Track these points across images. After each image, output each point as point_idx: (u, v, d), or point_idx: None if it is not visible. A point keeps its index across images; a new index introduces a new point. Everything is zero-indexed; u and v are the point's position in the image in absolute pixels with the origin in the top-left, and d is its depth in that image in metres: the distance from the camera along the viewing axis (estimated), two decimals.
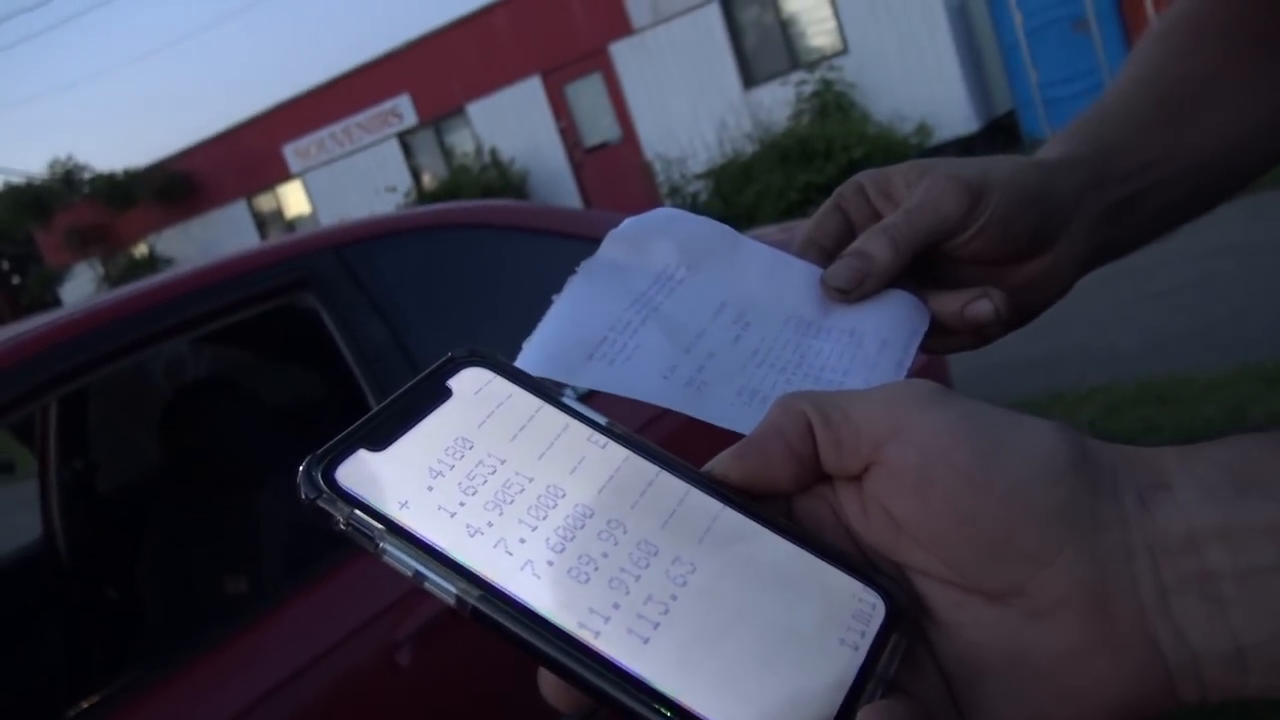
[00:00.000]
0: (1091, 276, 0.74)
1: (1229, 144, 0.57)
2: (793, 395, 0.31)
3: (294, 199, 16.35)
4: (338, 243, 1.88)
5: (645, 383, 0.40)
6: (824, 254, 0.48)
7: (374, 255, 1.90)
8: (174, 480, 2.00)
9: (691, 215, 0.48)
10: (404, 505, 0.29)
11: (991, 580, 0.27)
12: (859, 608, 0.28)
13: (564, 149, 13.47)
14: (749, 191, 10.08)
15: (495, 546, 0.28)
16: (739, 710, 0.25)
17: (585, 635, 0.27)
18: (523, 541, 0.29)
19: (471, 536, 0.29)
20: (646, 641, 0.27)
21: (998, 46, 10.42)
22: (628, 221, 0.47)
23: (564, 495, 0.30)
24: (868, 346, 0.44)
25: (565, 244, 2.18)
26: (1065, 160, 0.51)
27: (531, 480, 0.30)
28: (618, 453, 0.31)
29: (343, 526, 0.29)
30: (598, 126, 13.35)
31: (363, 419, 0.31)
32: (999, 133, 11.01)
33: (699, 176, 11.11)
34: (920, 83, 10.79)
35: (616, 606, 0.27)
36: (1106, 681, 0.27)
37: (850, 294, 0.45)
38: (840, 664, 0.27)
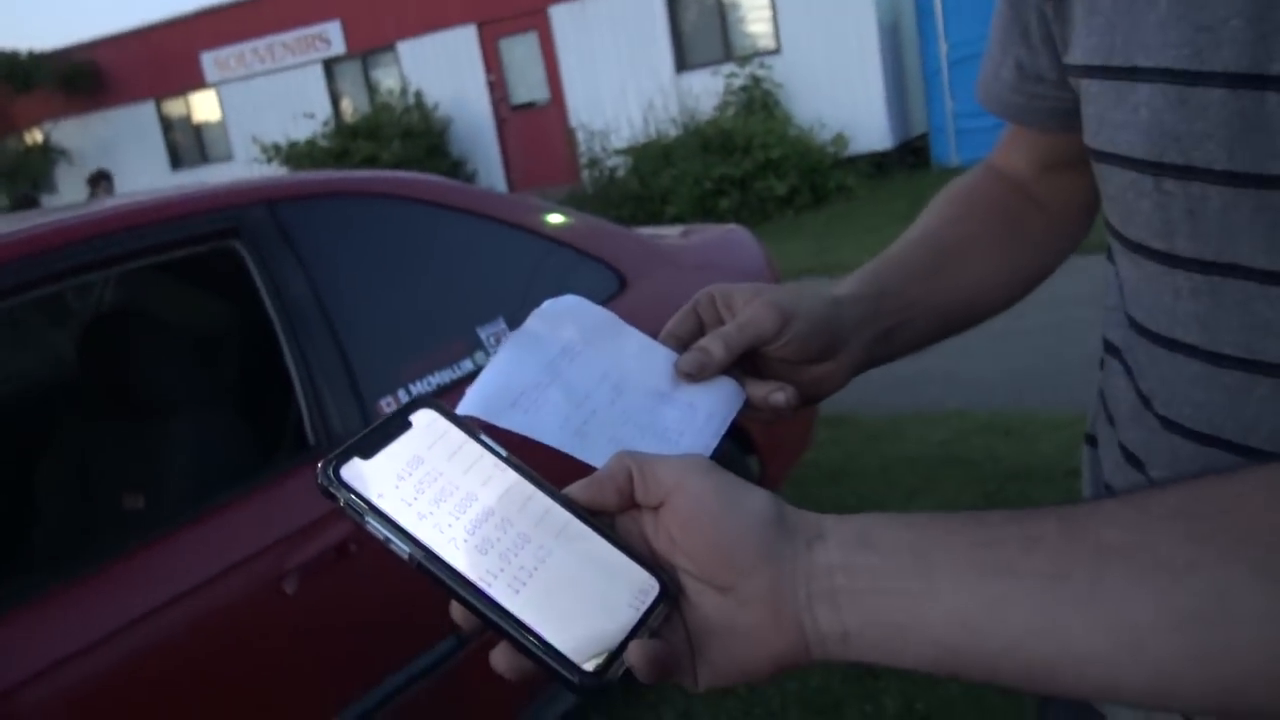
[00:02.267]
0: None
1: (971, 295, 0.78)
2: (623, 453, 0.51)
3: (205, 108, 15.90)
4: (272, 197, 2.01)
5: (547, 429, 0.58)
6: (680, 344, 0.66)
7: (306, 213, 2.03)
8: (84, 398, 2.11)
9: (591, 304, 0.66)
10: (381, 496, 0.47)
11: (720, 580, 0.46)
12: (644, 586, 0.46)
13: (490, 103, 13.44)
14: (666, 175, 10.26)
15: (434, 527, 0.46)
16: (565, 636, 0.45)
17: (483, 585, 0.45)
18: (450, 525, 0.47)
19: (420, 519, 0.46)
20: (518, 592, 0.45)
21: (921, 72, 10.81)
22: (546, 303, 0.65)
23: (477, 500, 0.48)
24: (699, 416, 0.63)
25: (488, 226, 2.34)
26: (851, 298, 0.71)
27: (458, 488, 0.48)
28: (511, 476, 0.49)
29: (341, 505, 0.46)
30: (527, 85, 13.35)
31: (358, 435, 0.49)
32: (910, 154, 11.44)
33: (619, 152, 11.24)
34: (844, 94, 11.13)
35: (502, 570, 0.46)
36: (774, 645, 0.46)
37: (694, 377, 0.63)
38: (627, 617, 0.45)
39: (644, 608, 0.46)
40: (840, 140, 10.88)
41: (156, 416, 1.95)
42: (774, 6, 11.55)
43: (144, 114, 16.23)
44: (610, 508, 0.49)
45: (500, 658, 0.46)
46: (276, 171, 13.64)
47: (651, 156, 10.65)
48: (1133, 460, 0.72)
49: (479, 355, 2.15)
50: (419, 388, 2.01)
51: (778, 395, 0.65)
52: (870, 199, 10.08)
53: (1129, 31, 0.60)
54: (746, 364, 0.67)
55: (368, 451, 0.48)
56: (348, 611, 1.81)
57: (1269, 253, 0.57)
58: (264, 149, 13.69)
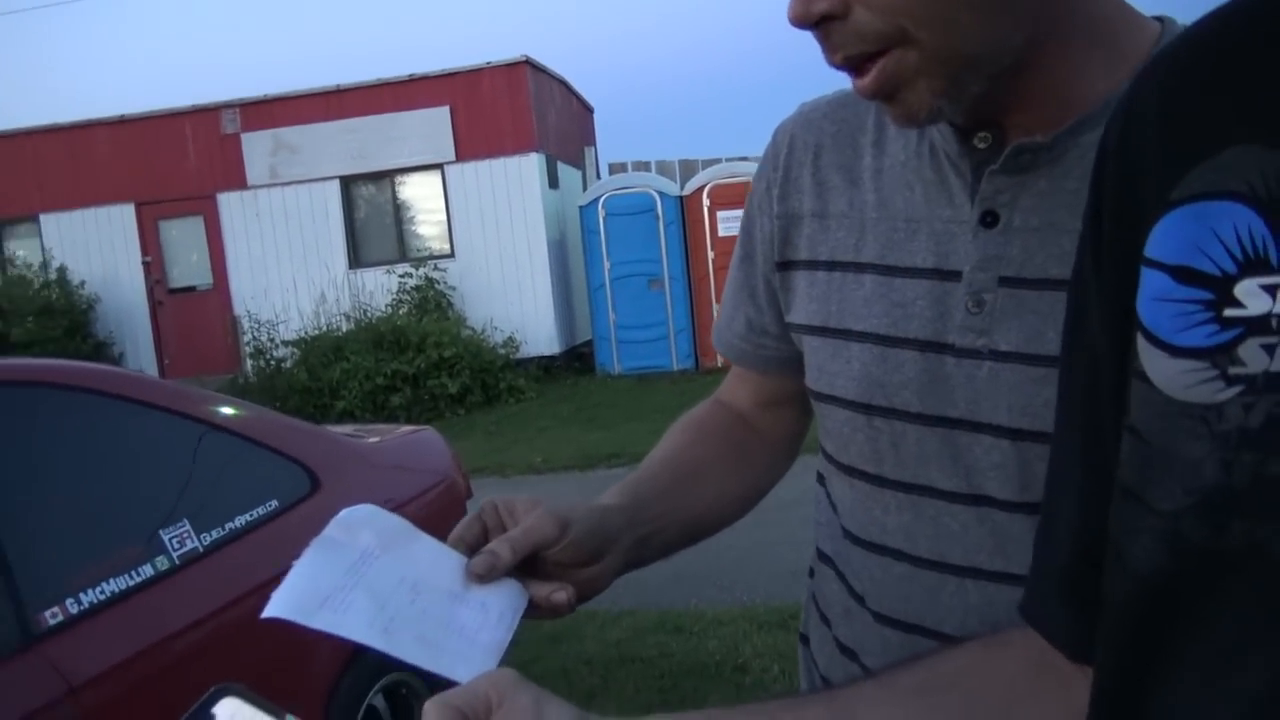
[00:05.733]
0: None
1: (710, 506, 0.92)
2: (440, 701, 0.50)
3: None
4: None
5: (356, 628, 0.62)
6: (467, 548, 0.73)
7: None
8: None
9: (385, 511, 0.72)
10: None
11: None
12: None
13: (145, 284, 12.69)
14: (337, 368, 10.09)
15: None
16: None
17: None
18: None
19: None
20: None
21: (586, 285, 11.55)
22: (344, 512, 0.70)
23: None
24: (492, 615, 0.69)
25: (173, 421, 2.23)
26: (614, 509, 0.82)
27: None
28: None
29: None
30: (188, 269, 12.79)
31: None
32: (576, 359, 12.06)
33: (288, 343, 10.95)
34: (515, 300, 11.64)
35: None
36: None
37: (484, 578, 0.70)
38: None
39: None
40: (511, 343, 11.27)
41: None
42: (448, 214, 12.01)
43: None
44: None
45: None
46: None
47: (322, 349, 10.45)
48: (847, 652, 0.83)
49: (160, 560, 2.01)
50: (90, 596, 1.84)
51: (559, 595, 0.73)
52: (539, 400, 10.45)
53: (841, 303, 0.79)
54: (525, 568, 0.74)
55: None
56: None
57: (952, 477, 0.73)
58: None
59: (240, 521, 2.21)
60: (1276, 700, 0.35)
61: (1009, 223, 0.70)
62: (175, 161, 12.46)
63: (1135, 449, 0.40)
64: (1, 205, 12.91)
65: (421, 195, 12.25)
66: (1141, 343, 0.40)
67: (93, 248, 12.63)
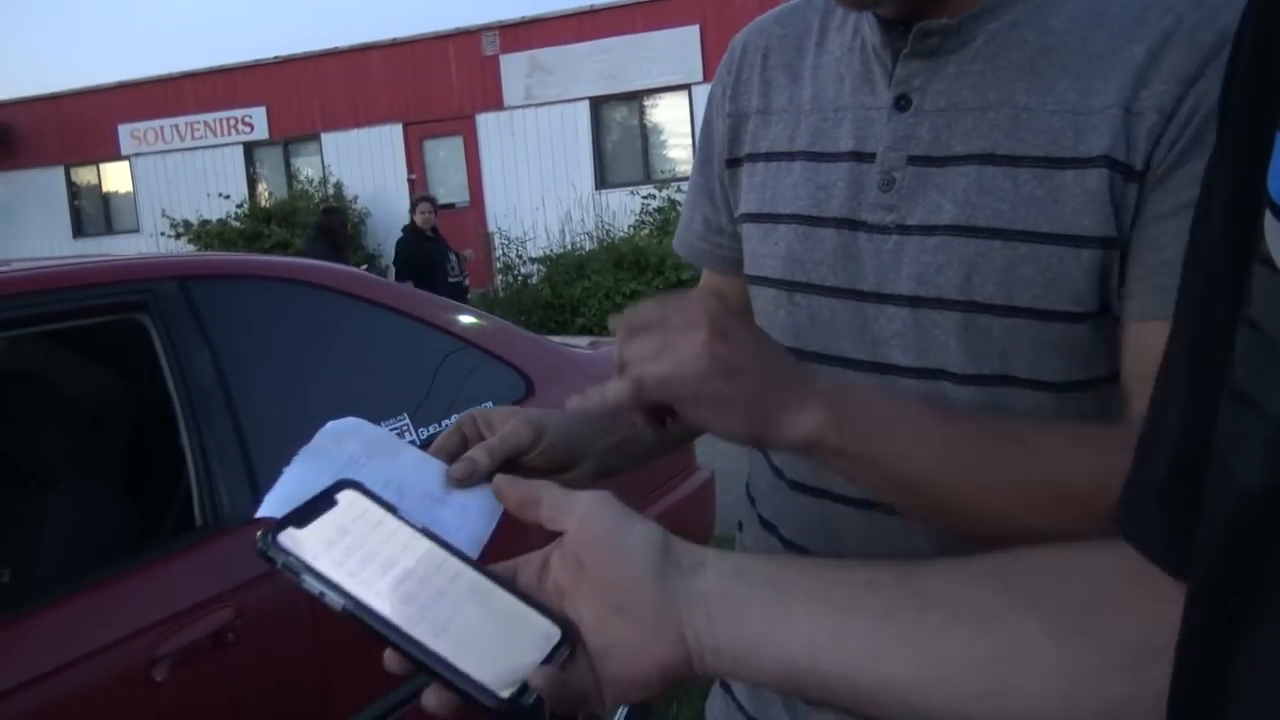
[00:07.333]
0: None
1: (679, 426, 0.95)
2: (541, 482, 0.58)
3: (117, 178, 15.65)
4: (185, 274, 2.00)
5: None
6: (448, 457, 0.76)
7: (218, 293, 2.02)
8: None
9: (370, 424, 0.75)
10: (315, 557, 0.54)
11: (616, 597, 0.53)
12: (547, 633, 0.53)
13: (409, 200, 13.52)
14: (578, 286, 10.41)
15: (362, 584, 0.53)
16: (481, 669, 0.51)
17: (409, 629, 0.52)
18: (375, 583, 0.54)
19: (351, 576, 0.54)
20: (439, 636, 0.52)
21: None
22: (330, 424, 0.73)
23: (398, 563, 0.55)
24: (472, 515, 0.72)
25: (399, 321, 2.36)
26: (589, 415, 0.83)
27: (380, 553, 0.56)
28: (426, 544, 0.57)
29: (279, 566, 0.53)
30: (448, 187, 13.52)
31: (294, 509, 0.56)
32: None
33: (535, 260, 11.40)
34: None
35: (424, 618, 0.52)
36: (660, 655, 0.52)
37: (464, 482, 0.73)
38: (533, 657, 0.52)
39: (548, 649, 0.53)
40: None
41: (35, 487, 1.88)
42: (694, 135, 12.00)
43: (51, 179, 15.87)
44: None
45: (430, 696, 0.52)
46: (184, 247, 13.45)
47: (566, 267, 10.80)
48: (767, 526, 0.90)
49: None
50: None
51: None
52: None
53: (774, 189, 0.85)
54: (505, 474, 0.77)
55: (301, 523, 0.56)
56: (220, 703, 1.74)
57: (860, 347, 0.79)
58: (174, 224, 13.52)
59: (455, 420, 2.31)
60: None
61: (920, 106, 0.76)
62: (439, 83, 13.13)
63: (1251, 344, 0.33)
64: (290, 126, 14.10)
65: (668, 117, 12.33)
66: (1269, 221, 0.33)
67: (365, 165, 13.58)
